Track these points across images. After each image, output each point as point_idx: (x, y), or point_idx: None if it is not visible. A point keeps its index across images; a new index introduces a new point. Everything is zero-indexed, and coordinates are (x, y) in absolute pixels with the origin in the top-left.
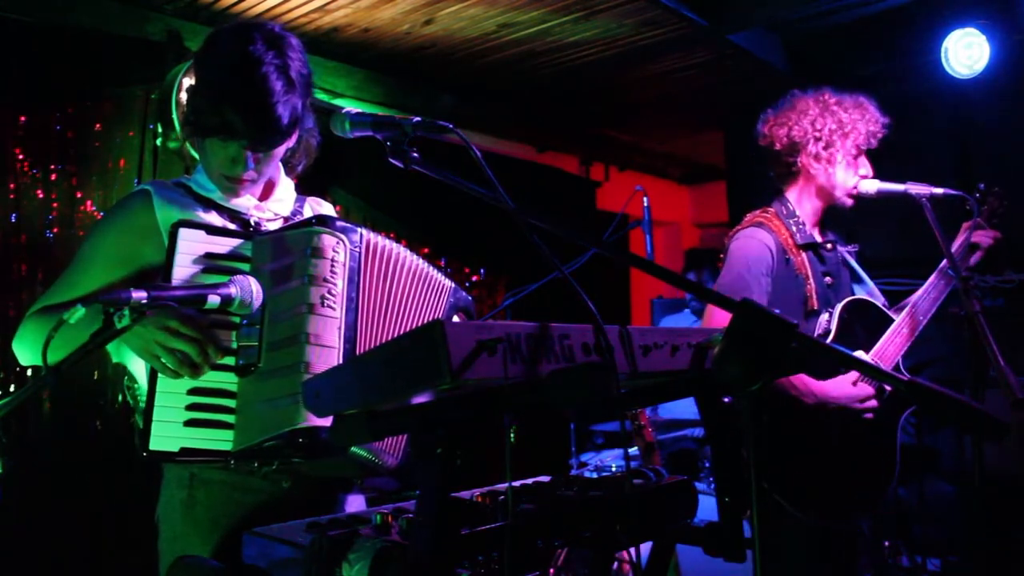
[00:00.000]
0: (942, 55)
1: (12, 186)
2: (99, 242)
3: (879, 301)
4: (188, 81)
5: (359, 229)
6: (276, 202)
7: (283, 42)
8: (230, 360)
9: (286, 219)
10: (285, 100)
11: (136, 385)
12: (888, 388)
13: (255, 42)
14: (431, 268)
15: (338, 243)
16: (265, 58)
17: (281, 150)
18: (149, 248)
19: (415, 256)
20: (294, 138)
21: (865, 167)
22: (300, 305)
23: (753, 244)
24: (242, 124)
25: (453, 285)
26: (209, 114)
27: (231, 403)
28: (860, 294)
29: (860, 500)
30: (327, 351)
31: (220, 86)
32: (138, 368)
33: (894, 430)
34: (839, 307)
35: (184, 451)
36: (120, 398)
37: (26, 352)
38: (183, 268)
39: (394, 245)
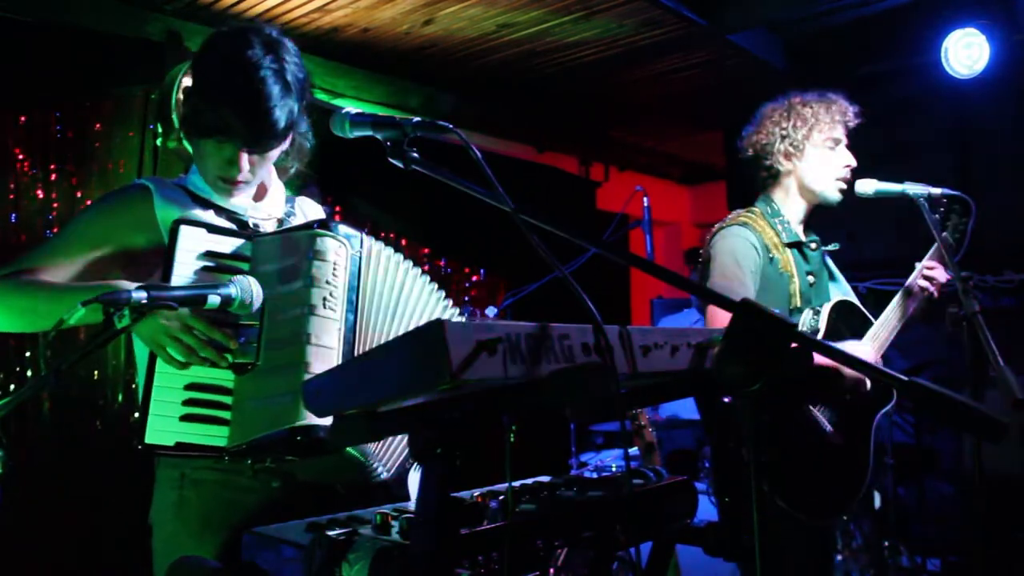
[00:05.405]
0: (942, 55)
1: (12, 186)
2: (91, 221)
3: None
4: (188, 81)
5: (361, 235)
6: (269, 204)
7: (280, 46)
8: (229, 357)
9: (280, 220)
10: (282, 104)
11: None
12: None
13: (253, 46)
14: (438, 289)
15: (340, 247)
16: (263, 63)
17: (275, 153)
18: (141, 238)
19: (421, 272)
20: (288, 141)
21: (848, 159)
22: (301, 306)
23: (740, 242)
24: (239, 126)
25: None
26: (206, 115)
27: (227, 399)
28: (836, 293)
29: (839, 498)
30: (327, 352)
31: (218, 89)
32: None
33: (869, 429)
34: (828, 306)
35: (179, 445)
36: (120, 398)
37: None
38: (183, 266)
39: (398, 255)
